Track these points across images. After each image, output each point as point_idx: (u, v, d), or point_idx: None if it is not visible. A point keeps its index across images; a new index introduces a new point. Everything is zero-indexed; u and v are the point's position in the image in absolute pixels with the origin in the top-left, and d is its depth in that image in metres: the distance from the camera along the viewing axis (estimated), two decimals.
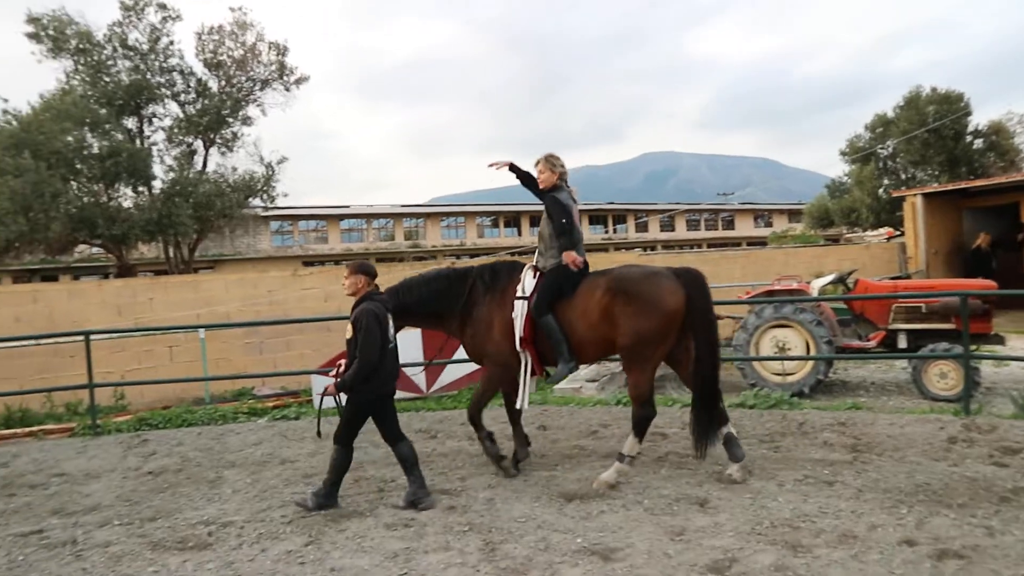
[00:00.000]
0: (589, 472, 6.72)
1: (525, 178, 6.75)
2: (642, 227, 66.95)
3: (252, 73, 22.06)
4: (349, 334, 5.98)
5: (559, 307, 6.43)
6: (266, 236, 49.89)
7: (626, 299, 6.14)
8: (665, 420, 8.58)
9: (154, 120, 20.95)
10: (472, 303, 6.74)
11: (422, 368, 9.18)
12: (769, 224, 71.40)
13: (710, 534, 5.16)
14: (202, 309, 11.59)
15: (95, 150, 17.82)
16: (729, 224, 72.23)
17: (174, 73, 21.36)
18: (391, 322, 6.14)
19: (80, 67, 19.98)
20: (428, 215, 62.23)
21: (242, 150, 22.18)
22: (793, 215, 72.52)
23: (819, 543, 4.90)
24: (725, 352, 12.60)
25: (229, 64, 21.84)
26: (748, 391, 9.86)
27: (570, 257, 6.46)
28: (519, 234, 63.78)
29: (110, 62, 20.22)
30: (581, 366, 8.03)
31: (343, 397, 6.13)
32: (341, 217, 56.32)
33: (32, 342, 10.74)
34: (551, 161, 6.65)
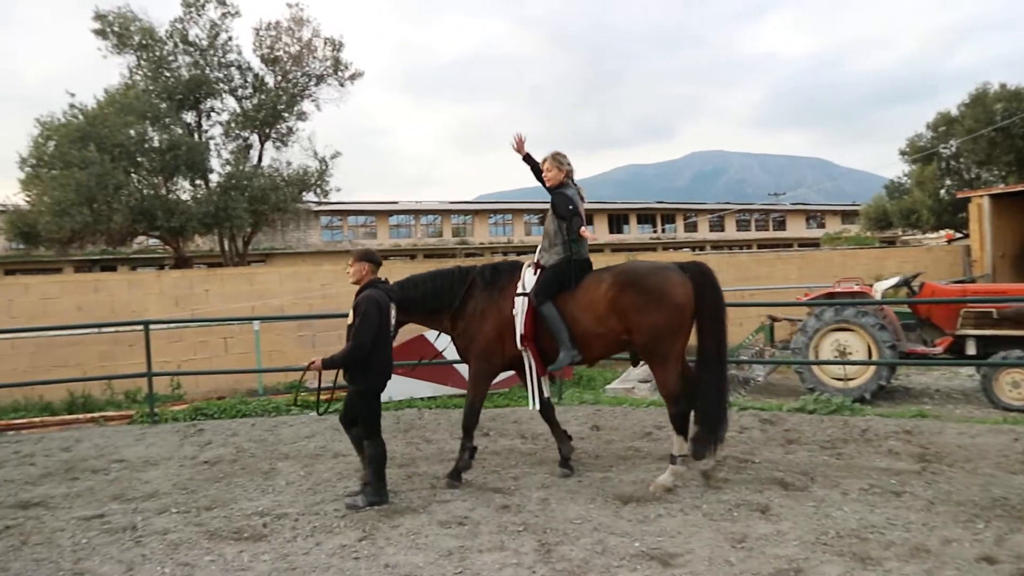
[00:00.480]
0: (644, 474, 6.60)
1: (537, 169, 6.73)
2: (691, 227, 66.16)
3: (307, 68, 22.27)
4: (350, 319, 5.98)
5: (561, 299, 6.35)
6: (316, 231, 50.49)
7: (635, 292, 6.06)
8: None
9: (212, 115, 21.20)
10: (468, 299, 6.71)
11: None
12: (822, 225, 69.96)
13: (773, 542, 5.00)
14: (256, 301, 11.72)
15: (155, 144, 18.13)
16: (780, 225, 70.94)
17: (232, 68, 21.67)
18: (393, 312, 6.14)
19: (142, 62, 20.42)
20: (476, 212, 62.34)
21: (296, 145, 22.49)
22: (847, 216, 70.96)
23: (889, 556, 4.71)
24: (783, 355, 12.38)
25: (285, 60, 22.11)
26: (807, 395, 9.57)
27: (585, 232, 6.37)
28: None
29: (171, 57, 20.63)
30: (630, 370, 7.83)
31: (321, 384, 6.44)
32: (390, 213, 56.64)
33: (95, 330, 10.97)
34: (558, 159, 6.59)
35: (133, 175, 17.98)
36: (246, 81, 21.69)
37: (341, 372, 6.17)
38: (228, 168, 20.07)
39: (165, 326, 10.73)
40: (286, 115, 21.90)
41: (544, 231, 6.65)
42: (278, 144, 22.02)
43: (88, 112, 17.90)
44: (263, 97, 21.59)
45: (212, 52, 21.17)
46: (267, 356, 11.67)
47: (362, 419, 6.07)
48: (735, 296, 17.58)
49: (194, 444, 8.54)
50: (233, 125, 21.36)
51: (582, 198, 6.61)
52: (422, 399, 10.45)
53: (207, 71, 20.97)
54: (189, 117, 21.03)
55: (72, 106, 18.29)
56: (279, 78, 22.39)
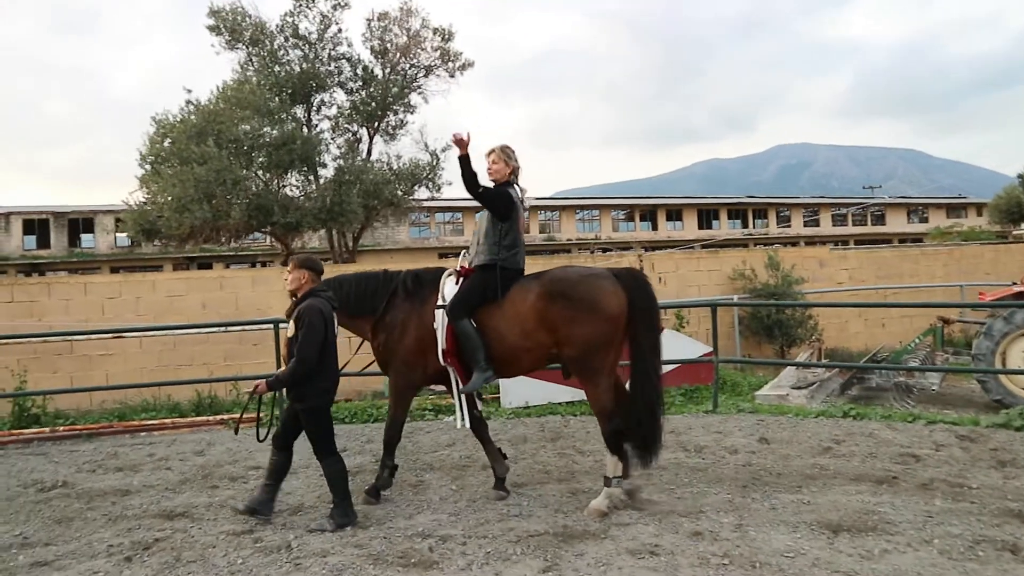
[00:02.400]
0: (842, 496, 5.91)
1: (470, 173, 5.96)
2: (784, 221, 63.86)
3: (416, 60, 21.89)
4: (291, 332, 5.63)
5: (486, 312, 5.94)
6: (404, 227, 50.54)
7: (565, 303, 5.72)
8: (911, 439, 7.49)
9: (322, 108, 21.06)
10: (389, 308, 6.33)
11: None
12: (924, 219, 66.51)
13: None
14: None
15: (269, 139, 18.02)
16: (879, 219, 67.72)
17: (342, 61, 21.44)
18: (334, 320, 5.80)
19: (253, 58, 20.42)
20: (563, 208, 61.65)
21: (405, 138, 22.09)
22: (952, 209, 67.32)
23: None
24: (964, 362, 11.24)
25: (394, 51, 21.69)
26: (1012, 409, 8.49)
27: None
28: (654, 228, 62.16)
29: (281, 52, 20.56)
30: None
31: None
32: (477, 209, 56.15)
33: (221, 329, 10.74)
34: (507, 152, 6.14)
35: (246, 171, 17.84)
36: (356, 74, 21.47)
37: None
38: (338, 162, 19.84)
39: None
40: (396, 108, 21.54)
41: (476, 231, 6.25)
42: (386, 138, 21.77)
43: (203, 108, 17.93)
44: (373, 90, 21.24)
45: (322, 45, 21.04)
46: None
47: (314, 438, 5.69)
48: (877, 296, 16.48)
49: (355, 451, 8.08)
50: (342, 119, 21.17)
51: (524, 203, 6.23)
52: (561, 404, 9.80)
53: (317, 64, 20.76)
54: (298, 111, 20.91)
55: (188, 102, 18.39)
56: (388, 70, 22.09)
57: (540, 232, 60.21)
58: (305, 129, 20.32)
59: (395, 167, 20.88)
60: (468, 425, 6.38)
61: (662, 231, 61.06)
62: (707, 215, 63.66)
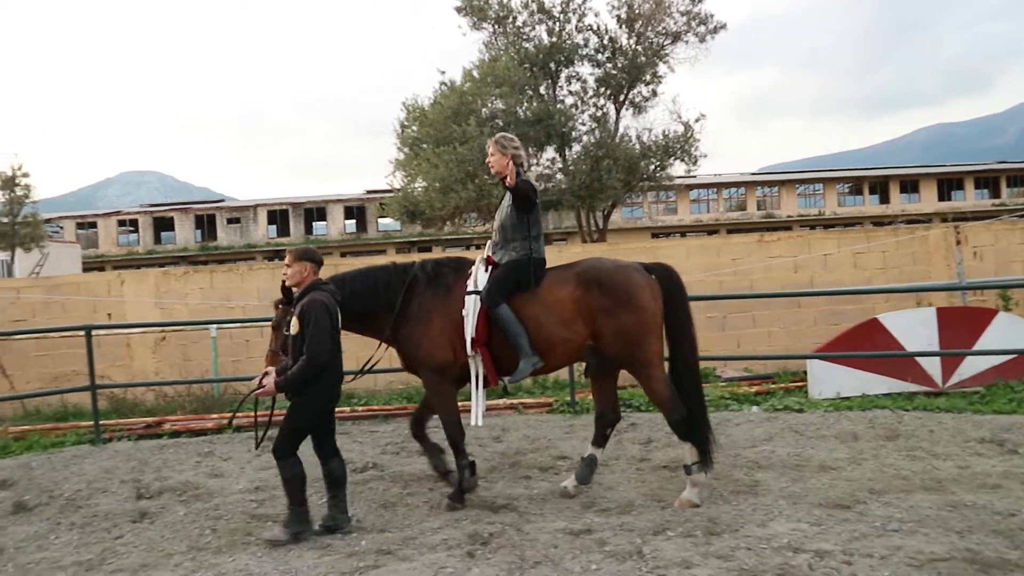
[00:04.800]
0: None
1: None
2: None
3: (662, 27, 20.88)
4: (295, 329, 5.26)
5: (520, 301, 5.73)
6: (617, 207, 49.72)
7: (600, 292, 5.62)
8: None
9: (572, 81, 20.64)
10: (409, 300, 5.90)
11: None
12: None
13: None
14: None
15: (523, 115, 17.83)
16: None
17: (588, 32, 20.81)
18: (339, 315, 5.45)
19: (498, 36, 20.36)
20: (783, 182, 58.08)
21: (652, 110, 21.20)
22: None
23: None
24: None
25: (642, 19, 20.68)
26: None
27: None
28: (886, 201, 57.03)
29: (526, 28, 20.33)
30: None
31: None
32: (690, 187, 53.94)
33: None
34: (501, 143, 5.85)
35: None
36: (603, 45, 20.81)
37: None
38: (590, 137, 19.31)
39: None
40: (644, 78, 20.64)
41: (498, 225, 5.97)
42: (634, 110, 20.99)
43: (457, 88, 18.07)
44: (622, 60, 20.43)
45: (566, 17, 20.49)
46: None
47: (288, 430, 5.31)
48: None
49: (634, 441, 7.60)
50: (589, 92, 20.65)
51: (534, 189, 6.00)
52: (879, 396, 8.61)
53: (564, 38, 20.24)
54: (542, 87, 20.57)
55: (442, 83, 18.62)
56: (634, 39, 21.22)
57: (758, 209, 57.18)
58: (551, 105, 20.00)
59: (644, 140, 20.03)
60: (480, 423, 6.00)
61: (894, 204, 55.93)
62: (947, 185, 57.51)
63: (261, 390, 5.31)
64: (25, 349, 11.18)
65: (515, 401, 9.28)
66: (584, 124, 20.14)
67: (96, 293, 11.55)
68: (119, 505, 6.35)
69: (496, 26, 20.22)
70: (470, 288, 5.82)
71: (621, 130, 20.63)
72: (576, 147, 19.11)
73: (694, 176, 58.45)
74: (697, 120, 19.91)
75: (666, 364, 5.89)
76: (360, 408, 9.40)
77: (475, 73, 18.95)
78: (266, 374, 5.41)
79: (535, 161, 18.87)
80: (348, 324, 5.82)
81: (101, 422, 8.86)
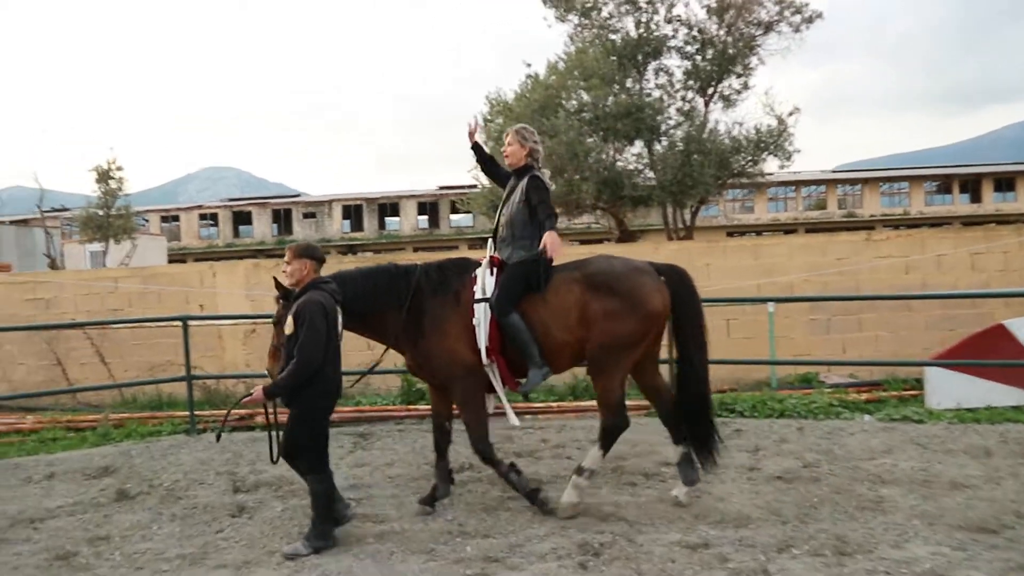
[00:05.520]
0: None
1: (485, 159, 6.19)
2: None
3: (753, 17, 20.17)
4: (290, 329, 4.98)
5: (529, 305, 5.55)
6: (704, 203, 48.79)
7: (609, 297, 5.46)
8: None
9: (660, 74, 20.13)
10: (418, 308, 5.65)
11: None
12: None
13: None
14: (762, 279, 10.17)
15: (611, 108, 17.45)
16: None
17: (677, 23, 20.24)
18: (340, 317, 5.19)
19: (584, 28, 19.99)
20: (865, 180, 55.97)
21: (741, 104, 20.55)
22: None
23: None
24: None
25: (731, 8, 20.04)
26: None
27: (552, 239, 5.49)
28: (977, 200, 54.48)
29: (612, 19, 19.92)
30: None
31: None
32: (768, 185, 52.46)
33: None
34: (522, 134, 5.81)
35: (590, 141, 17.41)
36: (693, 36, 20.23)
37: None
38: (680, 131, 18.83)
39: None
40: (735, 70, 19.99)
41: (506, 220, 5.75)
42: (723, 104, 20.39)
43: (542, 81, 17.81)
44: (712, 52, 19.83)
45: (653, 8, 20.00)
46: (775, 342, 10.05)
47: (302, 446, 5.03)
48: None
49: (739, 449, 7.20)
50: (678, 85, 20.10)
51: (548, 185, 5.83)
52: (1007, 408, 8.04)
53: (652, 29, 19.81)
54: (629, 80, 20.12)
55: (528, 76, 18.39)
56: (723, 30, 20.56)
57: (839, 208, 55.30)
58: (638, 98, 19.56)
59: (734, 134, 19.42)
60: (518, 422, 6.04)
61: (987, 203, 53.37)
62: None
63: (249, 398, 5.04)
64: (122, 338, 11.43)
65: (587, 405, 8.99)
66: (671, 118, 19.61)
67: (189, 284, 11.73)
68: (217, 498, 6.34)
69: (582, 17, 19.88)
70: (478, 295, 5.63)
71: (710, 124, 20.05)
72: (665, 141, 18.61)
73: (770, 172, 57.15)
74: (791, 114, 19.19)
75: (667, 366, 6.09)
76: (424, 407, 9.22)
77: (560, 66, 18.74)
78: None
79: (617, 156, 18.44)
80: (349, 324, 5.57)
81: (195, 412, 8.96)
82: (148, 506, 6.17)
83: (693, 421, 5.75)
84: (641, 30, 19.35)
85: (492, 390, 5.80)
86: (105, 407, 10.08)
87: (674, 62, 20.35)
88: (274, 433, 5.24)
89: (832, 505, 5.58)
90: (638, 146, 18.61)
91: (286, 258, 5.23)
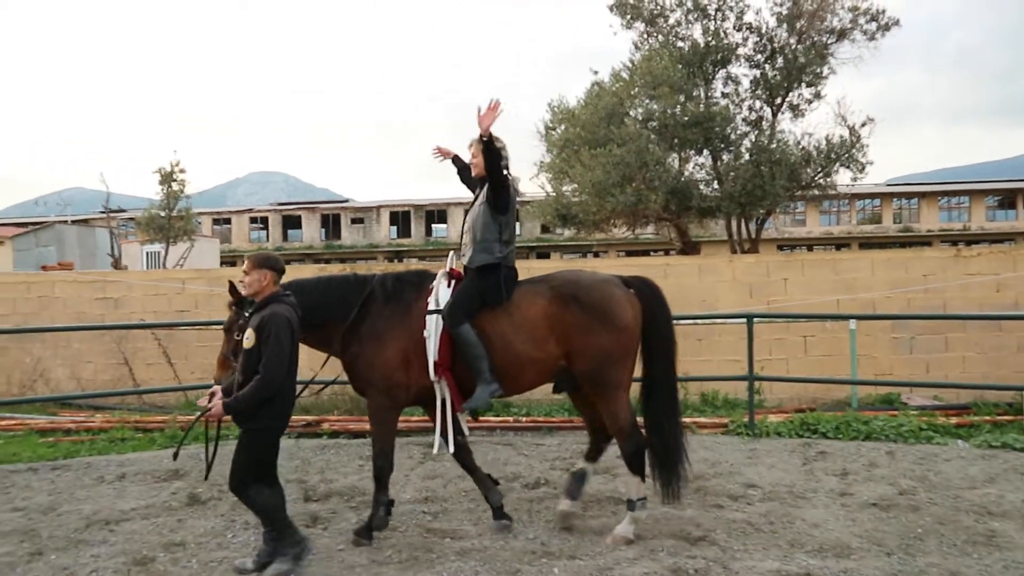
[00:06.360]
0: None
1: (463, 169, 6.05)
2: None
3: (826, 24, 19.60)
4: (250, 342, 4.69)
5: (488, 318, 5.35)
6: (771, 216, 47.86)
7: (578, 309, 5.30)
8: None
9: (729, 83, 19.72)
10: (364, 315, 5.46)
11: None
12: None
13: None
14: (842, 295, 9.80)
15: (680, 117, 17.14)
16: None
17: (746, 31, 19.75)
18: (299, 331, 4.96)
19: (648, 36, 19.68)
20: (923, 194, 54.32)
21: (810, 114, 20.01)
22: None
23: None
24: None
25: (805, 15, 19.47)
26: None
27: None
28: None
29: (679, 27, 19.59)
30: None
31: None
32: (822, 197, 51.30)
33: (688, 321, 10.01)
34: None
35: (660, 150, 17.13)
36: (764, 44, 19.75)
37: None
38: (749, 141, 18.42)
39: (767, 320, 9.33)
40: (804, 79, 19.43)
41: (468, 226, 5.60)
42: (792, 114, 19.82)
43: (607, 88, 17.59)
44: (781, 60, 19.33)
45: (722, 15, 19.55)
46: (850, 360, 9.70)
47: (251, 459, 4.72)
48: None
49: (826, 472, 6.89)
50: (746, 94, 19.65)
51: (517, 191, 5.67)
52: None
53: (720, 37, 19.41)
54: (698, 89, 19.74)
55: (595, 84, 18.15)
56: (794, 39, 19.89)
57: (894, 222, 53.79)
58: (702, 107, 19.16)
59: (802, 145, 18.88)
60: (452, 451, 5.53)
61: None
62: None
63: (208, 413, 4.73)
64: (188, 339, 11.49)
65: (687, 420, 8.71)
66: (738, 128, 19.15)
67: None
68: (289, 506, 6.21)
69: (648, 25, 19.57)
70: (431, 307, 5.41)
71: (779, 134, 19.52)
72: (734, 151, 18.20)
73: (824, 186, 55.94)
74: (864, 124, 18.59)
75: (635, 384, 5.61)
76: (523, 419, 9.10)
77: (624, 74, 18.56)
78: (213, 394, 4.90)
79: (683, 166, 18.07)
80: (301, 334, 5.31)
81: None
82: (220, 512, 6.10)
83: (661, 442, 5.42)
84: (709, 37, 19.02)
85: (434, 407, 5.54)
86: (171, 408, 10.10)
87: (741, 70, 19.98)
88: (211, 447, 4.89)
89: (938, 537, 5.27)
90: (703, 156, 18.25)
91: (245, 268, 4.96)
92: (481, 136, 5.27)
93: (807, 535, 5.35)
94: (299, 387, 5.66)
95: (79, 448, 8.69)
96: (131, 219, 39.05)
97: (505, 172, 5.53)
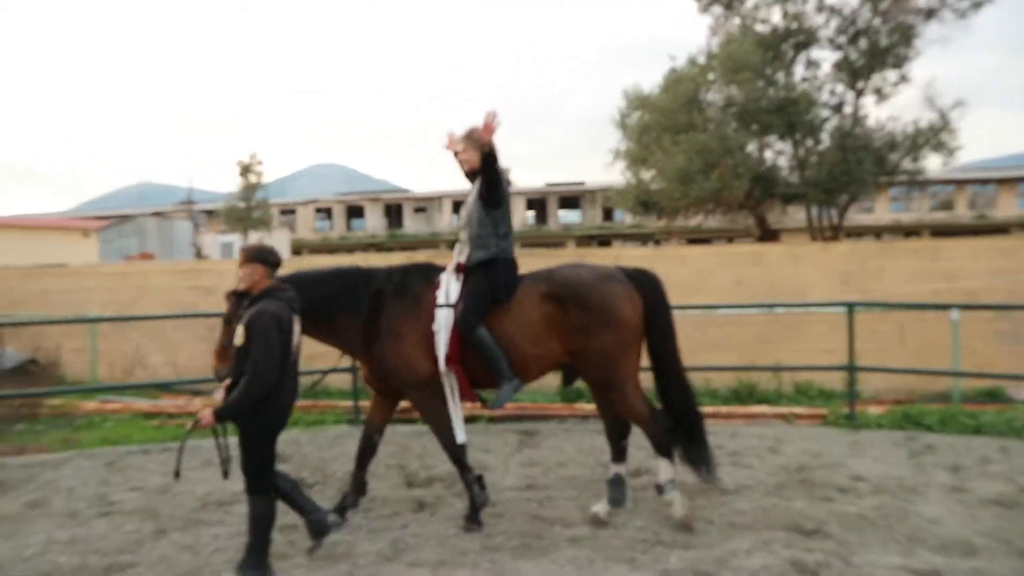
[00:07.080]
0: None
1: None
2: None
3: (913, 3, 18.90)
4: (240, 339, 4.54)
5: (494, 316, 5.40)
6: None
7: (578, 310, 5.31)
8: None
9: (810, 66, 19.22)
10: (378, 312, 5.46)
11: None
12: None
13: None
14: (940, 284, 9.50)
15: (762, 101, 16.79)
16: None
17: (827, 13, 19.24)
18: (297, 327, 4.75)
19: (727, 18, 19.29)
20: (1001, 180, 52.15)
21: (894, 98, 19.33)
22: None
23: None
24: None
25: None
26: None
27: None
28: None
29: (757, 10, 19.15)
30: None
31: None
32: (889, 184, 49.72)
33: (754, 310, 9.84)
34: (473, 138, 5.49)
35: (737, 136, 16.84)
36: (846, 26, 19.17)
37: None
38: (829, 126, 17.96)
39: (866, 308, 9.11)
40: (888, 62, 18.77)
41: (464, 221, 5.60)
42: (876, 97, 19.24)
43: (686, 74, 17.32)
44: (865, 42, 18.76)
45: None
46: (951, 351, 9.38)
47: (247, 466, 4.58)
48: None
49: (935, 466, 6.71)
50: (823, 78, 19.14)
51: (509, 184, 5.68)
52: None
53: (802, 19, 19.01)
54: (779, 72, 19.28)
55: (673, 70, 17.91)
56: (879, 19, 19.33)
57: (969, 208, 51.81)
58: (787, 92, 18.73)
59: (888, 129, 18.31)
60: (464, 439, 5.57)
61: None
62: None
63: (199, 424, 4.50)
64: None
65: (784, 410, 8.60)
66: (820, 113, 18.61)
67: None
68: (393, 491, 6.34)
69: (726, 9, 19.18)
70: (440, 301, 5.45)
71: (862, 118, 18.90)
72: (818, 136, 17.73)
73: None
74: (953, 108, 17.89)
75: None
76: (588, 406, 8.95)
77: (700, 59, 18.19)
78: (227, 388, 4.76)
79: (763, 151, 17.66)
80: (305, 329, 5.20)
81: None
82: (327, 496, 6.22)
83: (685, 438, 5.59)
84: (789, 20, 18.49)
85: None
86: None
87: (823, 54, 19.47)
88: (222, 441, 4.79)
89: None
90: (783, 142, 17.83)
91: (238, 261, 4.79)
92: (483, 148, 5.31)
93: (925, 530, 5.22)
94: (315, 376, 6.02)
95: (181, 431, 8.95)
96: (205, 211, 40.17)
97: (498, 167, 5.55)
